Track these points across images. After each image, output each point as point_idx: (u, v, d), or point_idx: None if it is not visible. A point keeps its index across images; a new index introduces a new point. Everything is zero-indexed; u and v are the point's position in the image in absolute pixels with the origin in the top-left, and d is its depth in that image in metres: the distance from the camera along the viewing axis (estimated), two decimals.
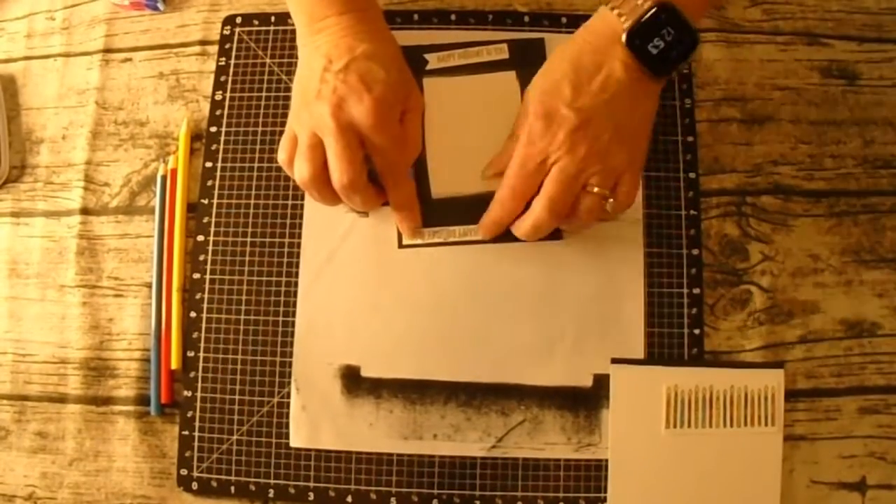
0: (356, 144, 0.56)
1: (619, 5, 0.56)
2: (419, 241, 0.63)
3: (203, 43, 0.70)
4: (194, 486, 0.62)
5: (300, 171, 0.58)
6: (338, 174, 0.56)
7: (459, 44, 0.67)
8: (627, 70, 0.55)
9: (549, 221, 0.57)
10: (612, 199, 0.57)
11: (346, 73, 0.56)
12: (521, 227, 0.59)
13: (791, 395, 0.61)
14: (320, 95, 0.56)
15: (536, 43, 0.67)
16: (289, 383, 0.62)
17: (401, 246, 0.64)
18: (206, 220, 0.66)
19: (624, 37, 0.55)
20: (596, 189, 0.56)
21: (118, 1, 0.71)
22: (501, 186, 0.59)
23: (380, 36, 0.60)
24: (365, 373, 0.62)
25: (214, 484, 0.61)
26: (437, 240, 0.63)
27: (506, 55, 0.66)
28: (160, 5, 0.71)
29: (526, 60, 0.66)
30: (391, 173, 0.60)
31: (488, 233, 0.61)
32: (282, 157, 0.60)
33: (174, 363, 0.63)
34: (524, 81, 0.64)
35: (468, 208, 0.63)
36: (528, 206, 0.58)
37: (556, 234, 0.62)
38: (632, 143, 0.57)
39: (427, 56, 0.66)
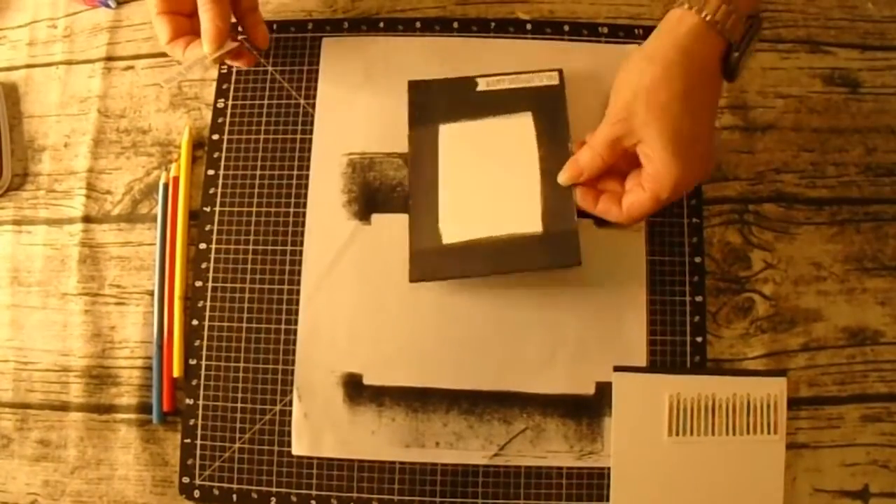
0: None
1: (721, 18, 0.54)
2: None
3: None
4: (196, 494, 0.62)
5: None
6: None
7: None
8: (715, 77, 0.57)
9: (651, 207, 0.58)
10: None
11: None
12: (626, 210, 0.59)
13: (793, 403, 0.61)
14: None
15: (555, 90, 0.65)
16: (291, 391, 0.62)
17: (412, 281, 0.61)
18: (208, 227, 0.66)
19: (734, 56, 0.56)
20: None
21: None
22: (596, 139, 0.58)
23: None
24: (367, 381, 0.62)
25: (216, 492, 0.61)
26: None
27: (556, 81, 0.64)
28: (111, 3, 0.71)
29: (544, 105, 0.64)
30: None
31: (570, 178, 0.60)
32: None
33: (176, 371, 0.63)
34: (540, 124, 0.63)
35: (479, 253, 0.60)
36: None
37: (573, 261, 0.60)
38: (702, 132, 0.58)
39: (477, 79, 0.65)
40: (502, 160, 0.63)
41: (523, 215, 0.61)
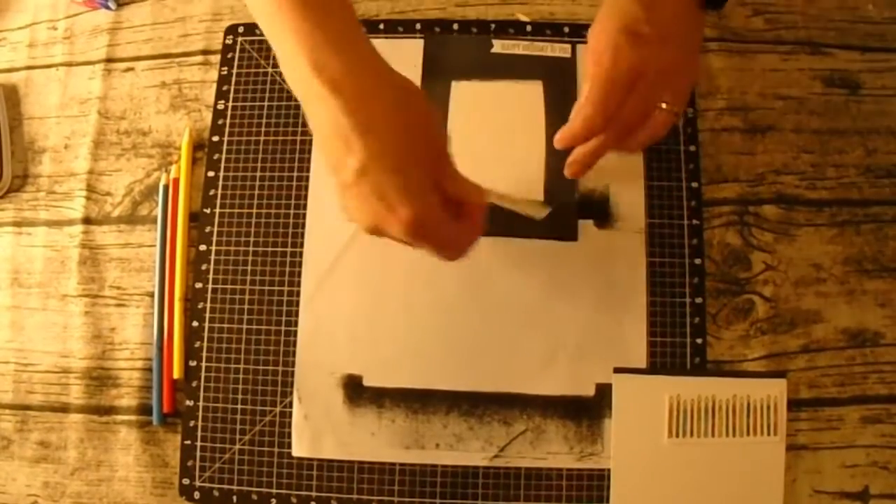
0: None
1: None
2: None
3: (205, 52, 0.70)
4: (196, 495, 0.62)
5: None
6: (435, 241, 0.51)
7: (526, 34, 0.68)
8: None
9: (626, 133, 0.57)
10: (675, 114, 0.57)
11: (359, 188, 0.48)
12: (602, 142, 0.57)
13: (793, 404, 0.61)
14: (347, 209, 0.50)
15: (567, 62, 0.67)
16: (291, 393, 0.62)
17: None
18: (208, 229, 0.66)
19: None
20: (665, 106, 0.56)
21: None
22: (585, 102, 0.55)
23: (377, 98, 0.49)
24: (367, 382, 0.62)
25: (216, 493, 0.61)
26: None
27: (568, 54, 0.66)
28: (111, 4, 0.71)
29: (555, 75, 0.66)
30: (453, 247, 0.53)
31: (562, 142, 0.58)
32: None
33: (176, 373, 0.63)
34: (549, 94, 0.65)
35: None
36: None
37: (570, 236, 0.62)
38: (692, 69, 0.58)
39: (493, 40, 0.67)
40: (510, 125, 0.65)
41: (526, 183, 0.62)
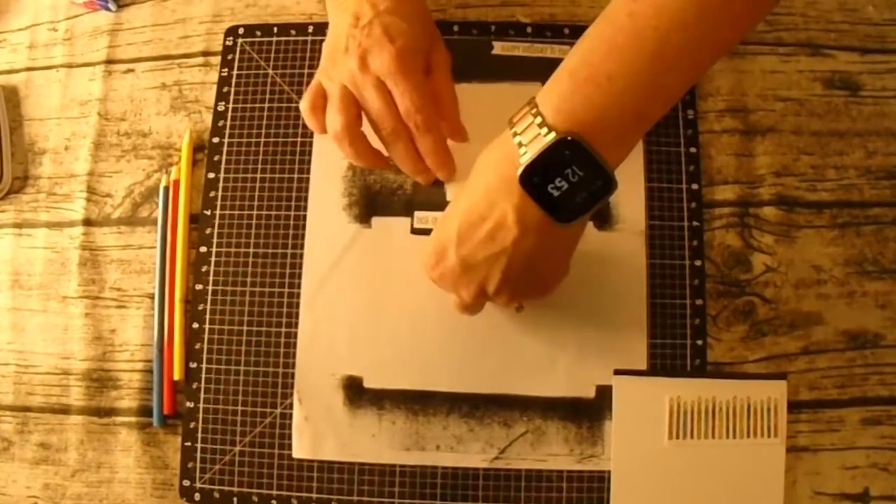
0: (387, 94, 0.58)
1: (522, 132, 0.47)
2: (430, 226, 0.62)
3: (206, 54, 0.70)
4: (197, 497, 0.62)
5: (332, 122, 0.59)
6: (381, 118, 0.58)
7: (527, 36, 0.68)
8: (522, 215, 0.48)
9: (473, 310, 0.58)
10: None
11: (370, 28, 0.58)
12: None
13: (794, 406, 0.61)
14: (347, 50, 0.58)
15: None
16: (291, 394, 0.62)
17: (413, 231, 0.64)
18: (208, 230, 0.66)
19: (519, 172, 0.46)
20: (502, 303, 0.56)
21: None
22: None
23: None
24: (367, 384, 0.62)
25: (217, 495, 0.61)
26: None
27: None
28: (111, 6, 0.72)
29: None
30: (417, 121, 0.59)
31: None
32: (304, 105, 0.60)
33: (177, 374, 0.63)
34: None
35: None
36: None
37: None
38: (534, 280, 0.54)
39: (494, 42, 0.67)
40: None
41: None
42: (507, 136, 0.48)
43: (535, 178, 0.46)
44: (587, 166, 0.46)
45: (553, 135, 0.45)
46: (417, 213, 0.64)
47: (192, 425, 0.62)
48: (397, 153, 0.60)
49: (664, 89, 0.47)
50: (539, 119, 0.46)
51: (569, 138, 0.45)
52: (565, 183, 0.46)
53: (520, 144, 0.47)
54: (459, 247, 0.51)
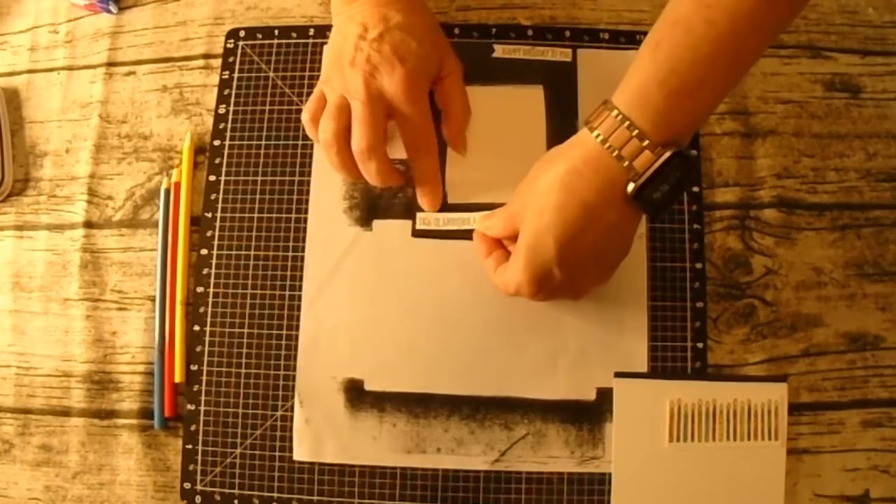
0: (381, 113, 0.58)
1: (620, 147, 0.50)
2: (433, 227, 0.64)
3: (206, 56, 0.70)
4: (198, 499, 0.62)
5: (324, 130, 0.59)
6: (358, 138, 0.58)
7: (528, 38, 0.69)
8: (625, 219, 0.53)
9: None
10: None
11: (380, 43, 0.58)
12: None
13: (794, 408, 0.61)
14: (354, 63, 0.58)
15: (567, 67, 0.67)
16: (292, 397, 0.62)
17: (414, 234, 0.64)
18: (209, 233, 0.66)
19: (631, 189, 0.51)
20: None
21: (76, 1, 0.72)
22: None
23: (414, 7, 0.61)
24: (368, 386, 0.62)
25: (218, 498, 0.61)
26: (451, 227, 0.64)
27: (569, 59, 0.67)
28: (112, 8, 0.72)
29: (556, 80, 0.67)
30: (416, 145, 0.61)
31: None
32: (305, 115, 0.61)
33: (178, 377, 0.63)
34: (550, 99, 0.66)
35: None
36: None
37: None
38: (606, 268, 0.57)
39: (494, 45, 0.67)
40: (510, 130, 0.65)
41: None
42: (592, 150, 0.51)
43: (645, 189, 0.51)
44: (686, 168, 0.51)
45: (669, 152, 0.50)
46: (419, 215, 0.64)
47: (192, 428, 0.62)
48: (370, 171, 0.60)
49: (733, 86, 0.53)
50: (636, 131, 0.49)
51: (683, 151, 0.50)
52: (667, 185, 0.51)
53: (618, 158, 0.50)
54: (564, 264, 0.53)
